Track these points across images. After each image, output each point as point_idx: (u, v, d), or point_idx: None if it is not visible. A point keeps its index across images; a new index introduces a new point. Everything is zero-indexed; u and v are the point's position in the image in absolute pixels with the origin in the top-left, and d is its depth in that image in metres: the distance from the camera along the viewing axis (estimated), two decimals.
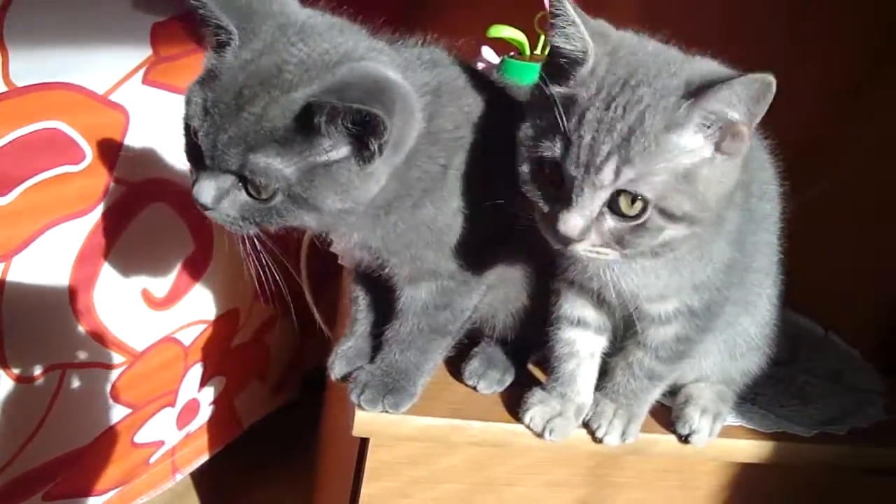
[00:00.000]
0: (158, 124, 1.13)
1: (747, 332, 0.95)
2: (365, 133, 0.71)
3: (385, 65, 0.78)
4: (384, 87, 0.73)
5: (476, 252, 0.88)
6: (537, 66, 1.21)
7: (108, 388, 1.23)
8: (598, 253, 0.73)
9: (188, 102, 0.75)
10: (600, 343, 0.93)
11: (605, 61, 0.71)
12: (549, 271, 0.91)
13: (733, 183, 0.74)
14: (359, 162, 0.74)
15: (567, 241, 0.71)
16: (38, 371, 1.11)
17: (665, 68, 0.70)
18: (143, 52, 1.11)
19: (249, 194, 0.75)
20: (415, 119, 0.79)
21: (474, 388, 0.96)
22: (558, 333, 0.93)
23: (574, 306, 0.91)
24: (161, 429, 1.38)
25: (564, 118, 0.69)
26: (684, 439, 0.94)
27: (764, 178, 0.90)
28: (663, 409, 0.97)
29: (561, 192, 0.71)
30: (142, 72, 1.11)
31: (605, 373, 0.94)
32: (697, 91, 0.67)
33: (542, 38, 1.27)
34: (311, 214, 0.76)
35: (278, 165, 0.72)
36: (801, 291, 1.05)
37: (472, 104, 0.86)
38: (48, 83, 1.00)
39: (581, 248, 0.72)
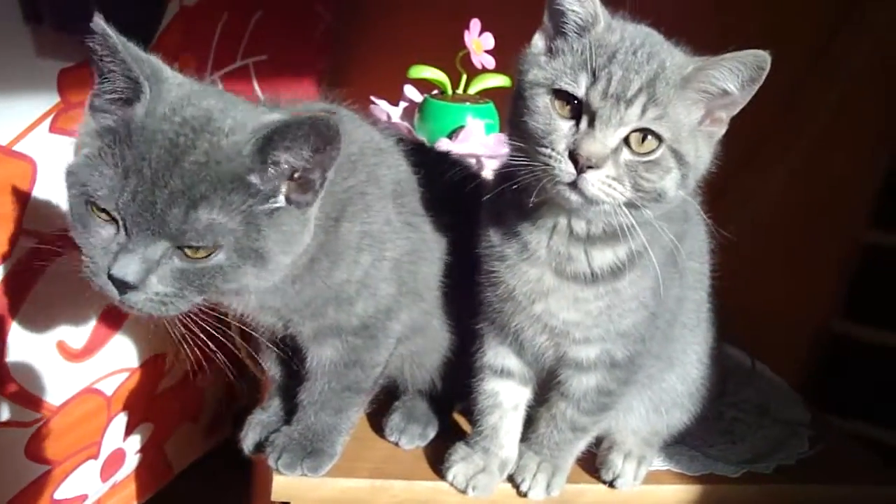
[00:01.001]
0: None
1: (674, 388, 0.96)
2: (311, 170, 0.71)
3: None
4: (326, 122, 0.71)
5: (380, 305, 0.87)
6: (458, 105, 1.22)
7: (23, 446, 1.18)
8: (609, 186, 0.73)
9: (82, 180, 0.70)
10: (524, 395, 0.92)
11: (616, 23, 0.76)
12: (472, 314, 0.90)
13: (707, 162, 0.78)
14: (299, 206, 0.73)
15: (587, 165, 0.72)
16: None
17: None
18: (51, 100, 1.07)
19: (187, 256, 0.70)
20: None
21: (396, 444, 0.94)
22: (482, 385, 0.92)
23: (497, 354, 0.90)
24: (84, 482, 1.33)
25: (588, 57, 0.73)
26: (609, 485, 0.94)
27: (695, 239, 0.91)
28: (591, 457, 0.96)
29: (579, 125, 0.73)
30: (49, 120, 1.07)
31: (529, 424, 0.93)
32: (701, 62, 0.73)
33: (465, 77, 1.26)
34: (257, 269, 0.73)
35: (222, 219, 0.69)
36: (732, 322, 1.06)
37: (366, 160, 0.86)
38: None
39: (597, 178, 0.72)
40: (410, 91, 1.28)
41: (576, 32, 0.76)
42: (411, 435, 0.95)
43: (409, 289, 0.89)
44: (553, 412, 0.89)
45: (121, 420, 1.36)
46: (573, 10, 0.75)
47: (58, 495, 1.28)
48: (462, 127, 1.19)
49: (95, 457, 1.33)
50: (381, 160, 0.88)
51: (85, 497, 1.34)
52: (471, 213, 0.88)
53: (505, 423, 0.91)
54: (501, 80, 1.24)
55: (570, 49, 0.75)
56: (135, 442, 1.43)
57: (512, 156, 0.78)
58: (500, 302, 0.85)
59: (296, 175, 0.72)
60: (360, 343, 0.87)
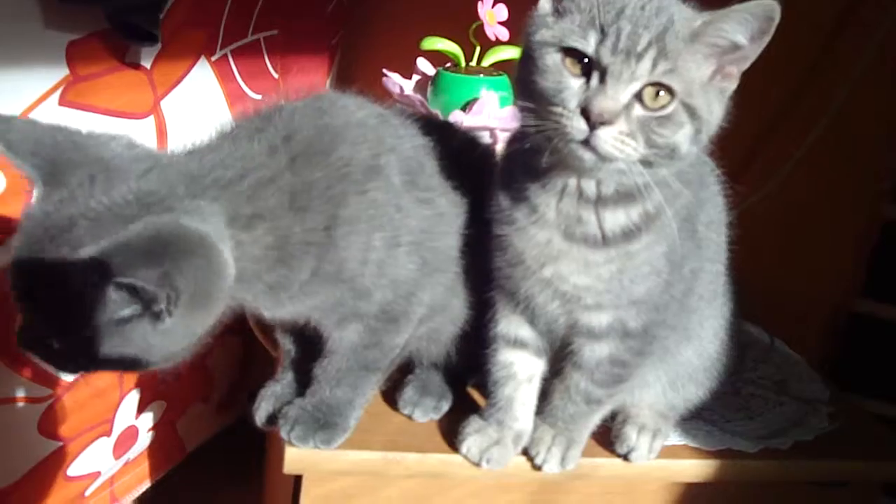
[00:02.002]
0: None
1: (690, 362, 0.94)
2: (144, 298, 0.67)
3: (196, 213, 0.71)
4: (169, 249, 0.66)
5: (400, 290, 0.85)
6: (472, 77, 1.21)
7: (36, 422, 1.18)
8: (623, 143, 0.72)
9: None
10: (539, 366, 0.91)
11: None
12: (486, 283, 0.89)
13: (719, 118, 0.76)
14: (151, 320, 0.69)
15: (600, 121, 0.71)
16: None
17: None
18: (60, 72, 1.06)
19: None
20: (223, 271, 0.72)
21: (409, 417, 0.94)
22: (495, 356, 0.91)
23: (511, 324, 0.89)
24: (97, 459, 1.33)
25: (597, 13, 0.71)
26: (624, 458, 0.93)
27: (713, 209, 0.89)
28: (605, 431, 0.95)
29: (589, 83, 0.72)
30: (58, 93, 1.06)
31: (544, 397, 0.92)
32: (710, 15, 0.72)
33: (478, 49, 1.24)
34: (129, 367, 0.73)
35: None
36: (749, 299, 1.04)
37: (351, 150, 0.82)
38: None
39: (610, 134, 0.71)
40: (423, 64, 1.26)
41: None
42: (425, 408, 0.94)
43: (432, 267, 0.87)
44: (567, 384, 0.88)
45: (133, 397, 1.36)
46: None
47: (71, 472, 1.28)
48: (476, 99, 1.17)
49: (108, 434, 1.33)
50: (382, 147, 0.84)
51: (98, 474, 1.34)
52: (484, 182, 0.87)
53: (519, 394, 0.89)
54: (515, 52, 1.21)
55: (578, 7, 0.73)
56: (147, 419, 1.43)
57: (523, 118, 0.77)
58: (510, 267, 0.84)
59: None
60: (382, 326, 0.86)
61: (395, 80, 1.23)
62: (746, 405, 1.09)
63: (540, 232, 0.80)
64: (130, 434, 1.39)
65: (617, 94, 0.70)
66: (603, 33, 0.70)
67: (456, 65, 1.24)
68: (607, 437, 0.95)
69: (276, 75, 1.45)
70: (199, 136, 0.83)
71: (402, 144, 0.87)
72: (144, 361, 0.72)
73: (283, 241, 0.77)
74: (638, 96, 0.71)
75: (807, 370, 1.20)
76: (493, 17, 1.22)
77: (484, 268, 0.89)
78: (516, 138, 0.82)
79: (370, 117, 0.86)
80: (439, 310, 0.91)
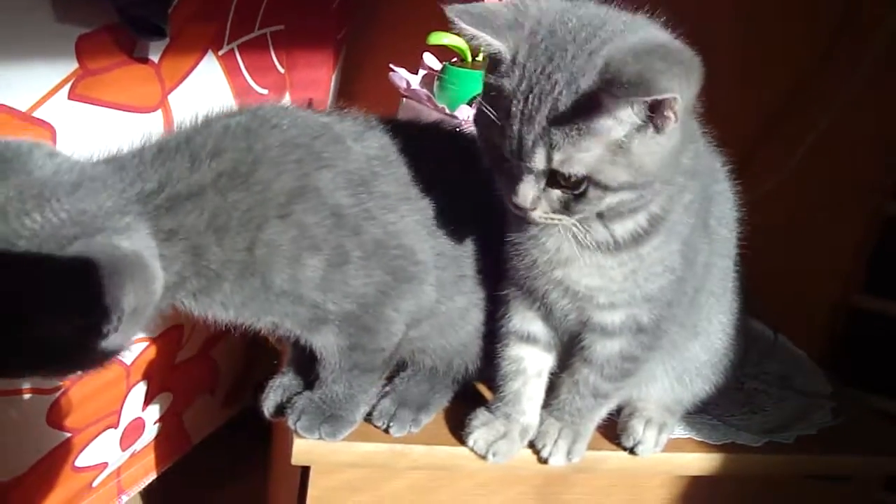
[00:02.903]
0: (87, 140, 1.08)
1: (698, 357, 0.95)
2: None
3: (125, 231, 0.71)
4: (114, 275, 0.66)
5: (361, 300, 0.83)
6: (478, 72, 1.21)
7: (44, 413, 1.18)
8: (552, 219, 0.75)
9: None
10: (548, 362, 0.92)
11: (524, 48, 0.71)
12: (497, 279, 0.89)
13: (672, 147, 0.73)
14: (93, 338, 0.69)
15: (523, 210, 0.74)
16: None
17: (583, 48, 0.69)
18: (69, 66, 1.06)
19: None
20: (156, 287, 0.73)
21: (385, 431, 0.90)
22: (506, 350, 0.91)
23: (524, 319, 0.90)
24: (104, 451, 1.33)
25: (494, 111, 0.72)
26: (630, 451, 0.94)
27: (724, 204, 0.90)
28: (612, 424, 0.96)
29: (511, 171, 0.74)
30: (67, 86, 1.06)
31: (551, 390, 0.93)
32: (615, 73, 0.65)
33: None
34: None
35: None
36: (752, 294, 1.05)
37: (272, 172, 0.79)
38: None
39: (537, 216, 0.75)
40: (429, 59, 1.27)
41: (500, 65, 0.72)
42: (402, 421, 0.91)
43: (403, 276, 0.85)
44: (575, 378, 0.89)
45: (140, 389, 1.36)
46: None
47: (79, 462, 1.29)
48: None
49: (115, 426, 1.34)
50: (314, 165, 0.81)
51: (105, 465, 1.35)
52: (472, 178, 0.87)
53: (528, 389, 0.90)
54: None
55: (500, 95, 0.72)
56: (154, 412, 1.43)
57: None
58: (525, 268, 0.85)
59: None
60: (357, 333, 0.84)
61: (401, 75, 1.23)
62: (750, 400, 1.10)
63: (549, 239, 0.81)
64: (137, 426, 1.40)
65: (525, 190, 0.72)
66: (503, 135, 0.71)
67: (462, 59, 1.24)
68: (613, 431, 0.96)
69: (282, 70, 1.46)
70: (124, 141, 0.82)
71: (347, 157, 0.84)
72: (72, 371, 0.75)
73: (199, 258, 0.76)
74: (554, 178, 0.72)
75: (810, 365, 1.21)
76: None
77: (483, 268, 0.90)
78: None
79: (302, 136, 0.83)
80: (426, 316, 0.89)
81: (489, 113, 0.73)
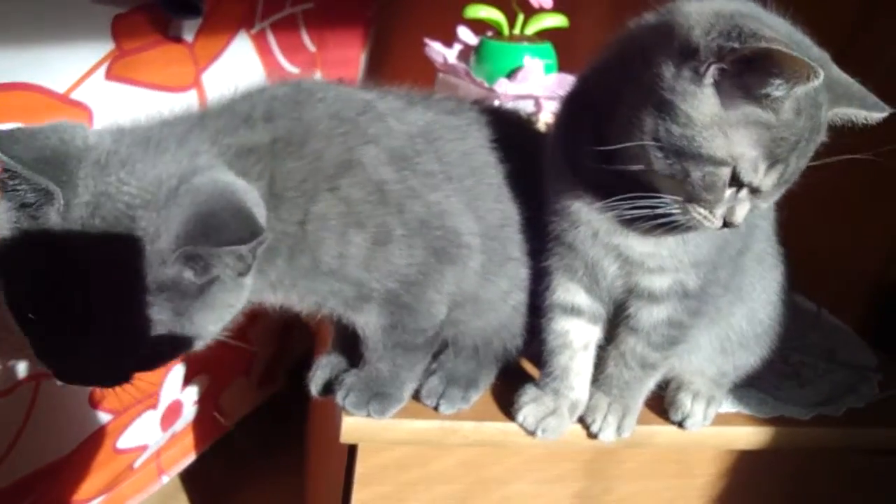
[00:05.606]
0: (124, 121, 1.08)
1: (740, 326, 0.93)
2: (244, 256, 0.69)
3: (213, 168, 0.72)
4: (241, 208, 0.68)
5: (404, 278, 0.82)
6: (516, 45, 1.19)
7: (87, 395, 1.19)
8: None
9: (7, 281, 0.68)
10: (594, 334, 0.91)
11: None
12: (539, 253, 0.88)
13: None
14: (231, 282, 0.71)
15: (722, 223, 0.76)
16: (11, 384, 1.07)
17: None
18: (105, 47, 1.06)
19: None
20: (262, 208, 0.73)
21: (435, 409, 0.89)
22: (551, 324, 0.90)
23: (567, 291, 0.89)
24: (144, 432, 1.34)
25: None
26: (679, 425, 0.93)
27: None
28: (659, 400, 0.95)
29: (738, 194, 0.75)
30: (104, 67, 1.06)
31: (598, 365, 0.92)
32: None
33: (521, 17, 1.23)
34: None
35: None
36: (793, 269, 1.03)
37: (323, 144, 0.79)
38: (5, 84, 0.95)
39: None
40: (465, 33, 1.25)
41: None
42: (451, 399, 0.90)
43: (446, 257, 0.84)
44: (622, 349, 0.88)
45: (178, 371, 1.37)
46: None
47: (120, 444, 1.30)
48: (520, 67, 1.16)
49: (155, 407, 1.35)
50: (359, 139, 0.81)
51: (146, 447, 1.36)
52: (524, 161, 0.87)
53: (575, 363, 0.89)
54: (559, 20, 1.20)
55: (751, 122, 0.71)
56: (192, 393, 1.44)
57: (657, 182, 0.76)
58: (574, 230, 0.83)
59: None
60: (399, 311, 0.84)
61: (437, 49, 1.22)
62: (796, 373, 1.08)
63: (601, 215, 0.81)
64: (176, 407, 1.41)
65: (743, 211, 0.76)
66: (772, 164, 0.73)
67: (499, 33, 1.23)
68: (661, 406, 0.95)
69: (312, 48, 1.45)
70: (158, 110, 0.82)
71: (390, 134, 0.83)
72: (196, 338, 0.75)
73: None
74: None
75: (854, 338, 1.20)
76: None
77: (528, 249, 0.89)
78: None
79: (348, 109, 0.82)
80: (470, 299, 0.88)
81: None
